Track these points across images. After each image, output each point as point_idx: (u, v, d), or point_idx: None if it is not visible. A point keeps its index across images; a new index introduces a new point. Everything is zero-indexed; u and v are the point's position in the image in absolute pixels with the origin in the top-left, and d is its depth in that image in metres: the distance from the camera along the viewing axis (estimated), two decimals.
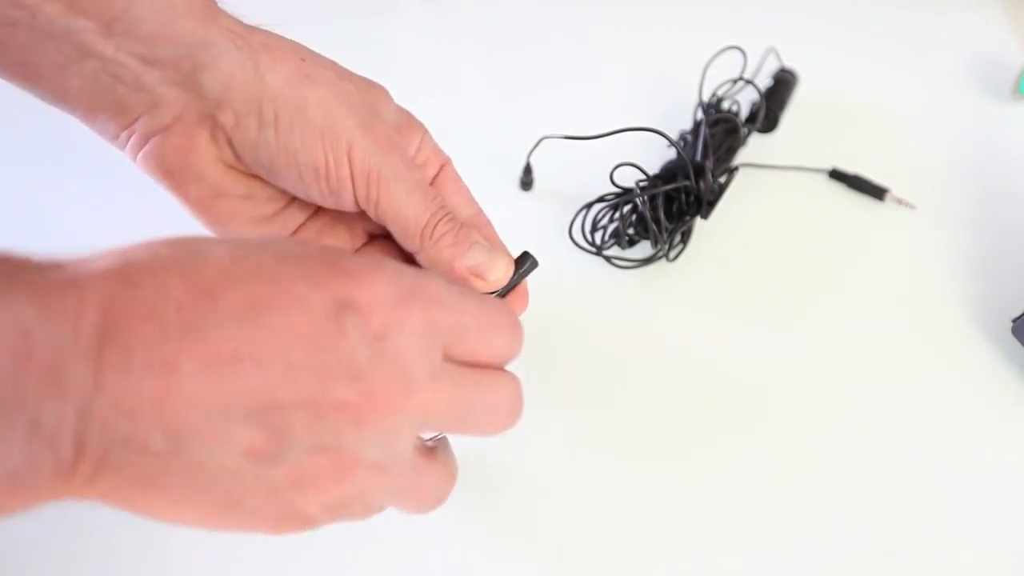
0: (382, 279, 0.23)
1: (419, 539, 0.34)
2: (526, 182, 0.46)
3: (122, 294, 0.20)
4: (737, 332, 0.41)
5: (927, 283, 0.44)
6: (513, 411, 0.28)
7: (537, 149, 0.45)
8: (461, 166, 0.47)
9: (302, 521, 0.24)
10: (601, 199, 0.41)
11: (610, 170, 0.41)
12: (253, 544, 0.33)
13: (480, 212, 0.35)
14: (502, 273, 0.32)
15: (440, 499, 0.28)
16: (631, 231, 0.42)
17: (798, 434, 0.38)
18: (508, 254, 0.33)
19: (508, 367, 0.28)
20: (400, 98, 0.51)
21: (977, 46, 0.56)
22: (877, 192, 0.47)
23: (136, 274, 0.21)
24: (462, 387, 0.25)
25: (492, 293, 0.32)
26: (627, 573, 0.34)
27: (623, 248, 0.42)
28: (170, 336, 0.20)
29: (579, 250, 0.42)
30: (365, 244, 0.35)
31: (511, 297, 0.33)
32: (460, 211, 0.34)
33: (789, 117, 0.50)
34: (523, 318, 0.40)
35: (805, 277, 0.44)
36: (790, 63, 0.51)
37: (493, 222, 0.45)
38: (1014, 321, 0.40)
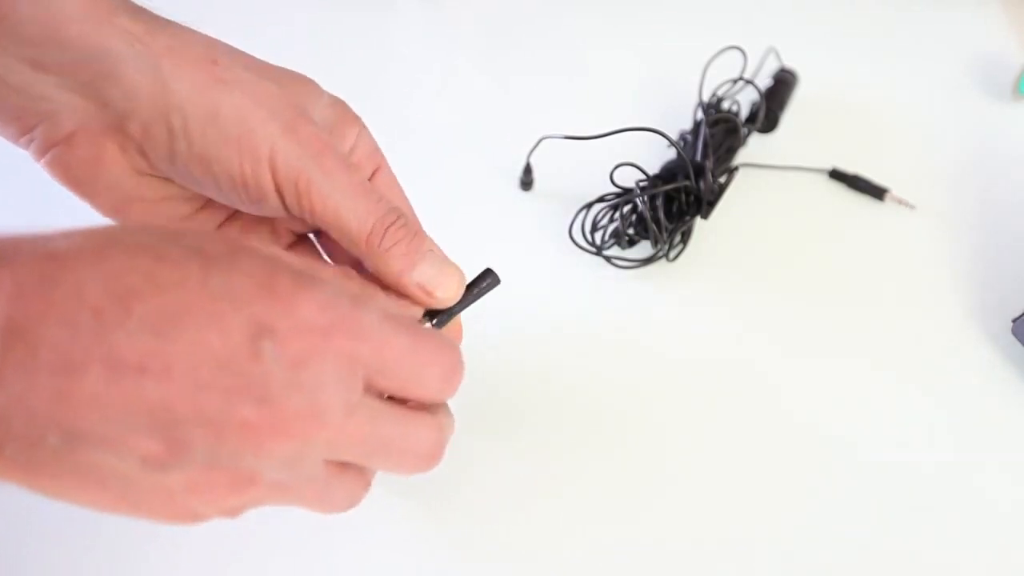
0: (311, 305, 0.23)
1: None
2: (526, 182, 0.46)
3: (37, 292, 0.20)
4: (737, 332, 0.41)
5: (927, 283, 0.44)
6: (429, 458, 0.27)
7: (537, 149, 0.45)
8: (460, 166, 0.47)
9: (195, 518, 0.24)
10: (601, 199, 0.41)
11: (610, 170, 0.41)
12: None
13: (417, 222, 0.33)
14: (453, 291, 0.30)
15: (350, 506, 0.27)
16: (631, 231, 0.42)
17: (797, 434, 0.38)
18: (459, 270, 0.30)
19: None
20: (398, 98, 0.51)
21: (977, 46, 0.56)
22: (877, 192, 0.47)
23: (55, 270, 0.20)
24: (379, 424, 0.25)
25: (448, 309, 0.30)
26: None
27: (623, 248, 0.42)
28: (79, 340, 0.20)
29: (579, 250, 0.42)
30: (293, 244, 0.33)
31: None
32: None
33: (789, 117, 0.50)
34: (524, 316, 0.40)
35: (805, 277, 0.44)
36: (790, 63, 0.51)
37: (493, 223, 0.45)
38: (1014, 321, 0.40)
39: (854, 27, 0.57)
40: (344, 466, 0.26)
